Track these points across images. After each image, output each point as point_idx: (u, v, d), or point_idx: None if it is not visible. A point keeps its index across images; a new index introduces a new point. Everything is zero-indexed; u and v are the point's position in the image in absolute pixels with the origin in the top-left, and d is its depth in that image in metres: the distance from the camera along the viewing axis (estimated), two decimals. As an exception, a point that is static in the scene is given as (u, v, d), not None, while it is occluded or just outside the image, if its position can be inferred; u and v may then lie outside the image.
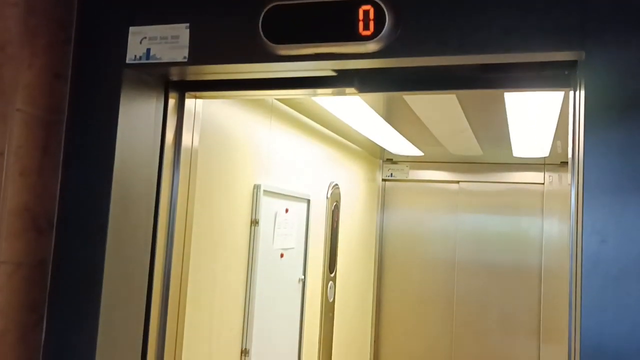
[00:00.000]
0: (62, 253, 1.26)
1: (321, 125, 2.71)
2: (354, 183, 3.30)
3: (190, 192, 1.55)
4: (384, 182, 3.91)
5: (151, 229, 1.42)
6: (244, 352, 1.96)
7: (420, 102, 2.08)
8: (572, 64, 1.15)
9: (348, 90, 1.35)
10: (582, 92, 1.04)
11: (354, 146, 3.27)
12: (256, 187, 2.02)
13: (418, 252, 3.81)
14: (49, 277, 1.25)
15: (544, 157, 3.35)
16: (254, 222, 2.01)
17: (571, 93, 1.18)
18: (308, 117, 2.54)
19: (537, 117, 2.23)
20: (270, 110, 2.18)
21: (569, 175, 1.08)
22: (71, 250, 1.26)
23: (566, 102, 2.07)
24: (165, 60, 1.26)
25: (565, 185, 3.51)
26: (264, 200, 2.07)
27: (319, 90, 1.40)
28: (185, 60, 1.24)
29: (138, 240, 1.38)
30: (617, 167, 0.96)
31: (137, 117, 1.35)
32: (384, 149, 3.47)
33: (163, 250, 1.49)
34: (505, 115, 2.23)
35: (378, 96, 2.07)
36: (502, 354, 3.55)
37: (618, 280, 0.90)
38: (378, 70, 1.29)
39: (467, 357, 3.62)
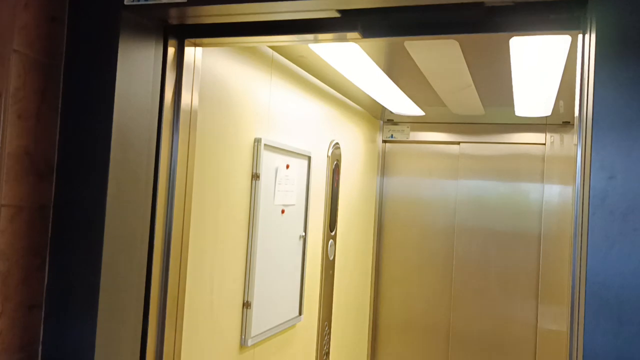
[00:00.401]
0: (63, 198, 1.25)
1: (322, 82, 2.68)
2: (355, 144, 3.28)
3: (191, 145, 1.53)
4: (384, 144, 3.89)
5: (152, 177, 1.41)
6: (246, 304, 1.98)
7: (423, 53, 2.05)
8: (581, 5, 1.12)
9: (350, 35, 1.33)
10: (593, 34, 1.02)
11: (354, 105, 3.25)
12: (257, 141, 2.01)
13: (418, 216, 3.81)
14: (51, 222, 1.25)
15: (546, 117, 3.33)
16: (255, 176, 2.00)
17: (580, 37, 1.15)
18: (309, 73, 2.50)
19: (541, 71, 2.20)
20: (270, 65, 2.15)
21: (576, 110, 1.06)
22: (72, 196, 1.25)
23: (570, 60, 2.04)
24: (164, 0, 1.23)
25: (566, 147, 3.49)
26: (265, 155, 2.05)
27: (321, 36, 1.37)
28: (185, 0, 1.21)
29: (139, 189, 1.37)
30: (627, 104, 0.94)
31: (137, 65, 1.32)
32: (385, 109, 3.44)
33: (164, 201, 1.48)
34: (510, 69, 2.21)
35: (380, 47, 2.03)
36: (501, 314, 3.60)
37: (626, 216, 0.90)
38: (382, 14, 1.26)
39: (465, 317, 3.66)
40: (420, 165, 3.85)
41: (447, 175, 3.77)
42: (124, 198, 1.30)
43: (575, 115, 1.07)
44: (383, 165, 3.89)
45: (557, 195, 3.50)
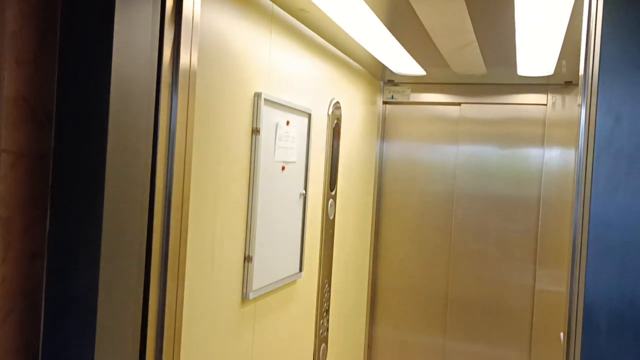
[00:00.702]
0: (62, 148, 1.24)
1: (323, 38, 2.64)
2: (355, 105, 3.26)
3: (190, 100, 1.51)
4: (384, 105, 3.86)
5: (152, 131, 1.39)
6: (247, 258, 1.99)
7: (427, 8, 2.02)
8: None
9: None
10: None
11: (355, 65, 3.21)
12: (257, 95, 1.99)
13: (418, 180, 3.82)
14: (51, 171, 1.24)
15: (548, 77, 3.30)
16: (255, 131, 1.98)
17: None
18: (310, 28, 2.46)
19: (545, 27, 2.17)
20: (270, 19, 2.11)
21: (582, 54, 1.04)
22: (72, 146, 1.24)
23: (573, 16, 2.01)
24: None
25: (567, 109, 3.47)
26: (265, 110, 2.03)
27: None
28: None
29: (139, 141, 1.36)
30: (636, 48, 0.93)
31: (135, 15, 1.30)
32: (386, 69, 3.41)
33: (164, 153, 1.47)
34: (514, 25, 2.17)
35: (384, 2, 2.00)
36: (499, 277, 3.63)
37: (631, 158, 0.89)
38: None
39: (463, 279, 3.70)
40: (421, 129, 3.83)
41: (447, 140, 3.76)
42: (125, 149, 1.29)
43: (581, 59, 1.05)
44: (383, 129, 3.87)
45: (557, 160, 3.49)
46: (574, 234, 0.97)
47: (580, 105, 1.10)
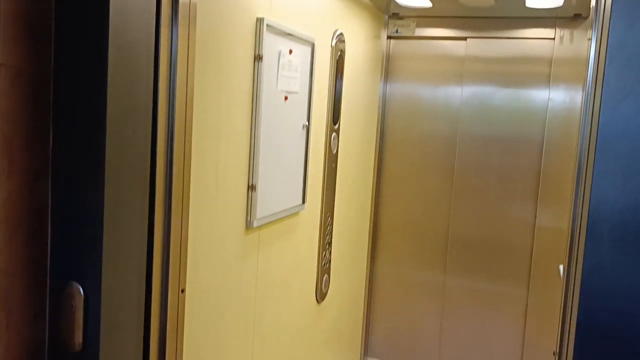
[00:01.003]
0: (62, 66, 1.22)
1: (326, -35, 2.56)
2: (359, 38, 3.19)
3: (191, 25, 1.48)
4: (388, 40, 3.79)
5: (152, 53, 1.37)
6: (251, 187, 1.99)
7: None
8: None
9: None
10: None
11: (359, -5, 3.13)
12: (259, 21, 1.94)
13: (421, 119, 3.79)
14: (52, 90, 1.22)
15: (557, 9, 3.22)
16: (258, 58, 1.95)
17: None
18: (312, -46, 2.39)
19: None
20: (272, -59, 2.04)
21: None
22: (72, 64, 1.22)
23: None
24: None
25: (575, 44, 3.40)
26: (267, 37, 1.99)
27: None
28: None
29: (140, 66, 1.33)
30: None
31: None
32: (391, 0, 3.32)
33: (166, 76, 1.45)
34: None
35: None
36: (499, 215, 3.66)
37: (643, 66, 0.87)
38: None
39: (465, 217, 3.72)
40: (426, 68, 3.77)
41: (452, 79, 3.70)
42: (125, 71, 1.27)
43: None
44: (387, 67, 3.81)
45: (562, 100, 3.45)
46: (581, 145, 0.96)
47: (590, 39, 1.08)
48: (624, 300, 1.03)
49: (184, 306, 1.52)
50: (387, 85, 3.82)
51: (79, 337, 1.22)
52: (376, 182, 3.83)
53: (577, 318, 1.05)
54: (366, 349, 3.99)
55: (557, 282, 3.28)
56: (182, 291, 1.53)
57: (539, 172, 3.54)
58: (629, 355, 1.10)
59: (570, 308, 1.08)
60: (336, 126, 2.89)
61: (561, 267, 2.22)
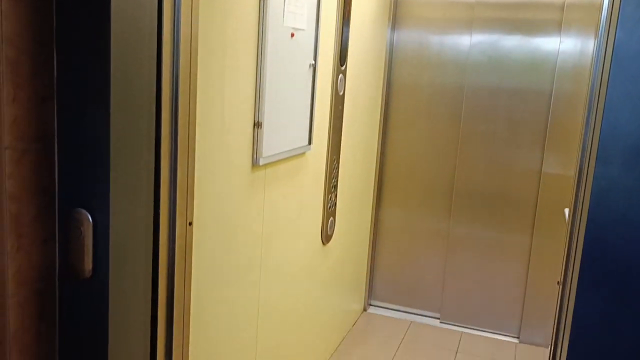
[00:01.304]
0: (65, -11, 1.20)
1: None
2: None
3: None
4: (397, -18, 3.69)
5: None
6: (257, 124, 1.98)
7: None
8: None
9: None
10: None
11: None
12: (266, -48, 1.89)
13: (429, 66, 3.72)
14: (55, 14, 1.20)
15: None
16: (264, -9, 1.90)
17: None
18: None
19: None
20: None
21: None
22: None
23: None
24: None
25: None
26: (274, -31, 1.94)
27: None
28: None
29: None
30: None
31: None
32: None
33: (170, 9, 1.42)
34: None
35: None
36: (506, 161, 3.64)
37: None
38: None
39: (471, 164, 3.71)
40: (434, 14, 3.68)
41: (460, 26, 3.62)
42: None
43: None
44: (395, 14, 3.72)
45: (573, 48, 3.37)
46: (595, 65, 0.94)
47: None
48: (632, 227, 1.03)
49: (192, 238, 1.54)
50: (395, 32, 3.74)
51: (88, 264, 1.24)
52: (383, 128, 3.81)
53: (584, 244, 1.06)
54: (370, 292, 4.06)
55: (561, 229, 3.30)
56: (190, 224, 1.54)
57: (547, 121, 3.50)
58: (635, 281, 1.11)
59: (576, 235, 1.08)
60: (343, 67, 2.85)
61: (567, 210, 2.22)
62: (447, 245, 3.87)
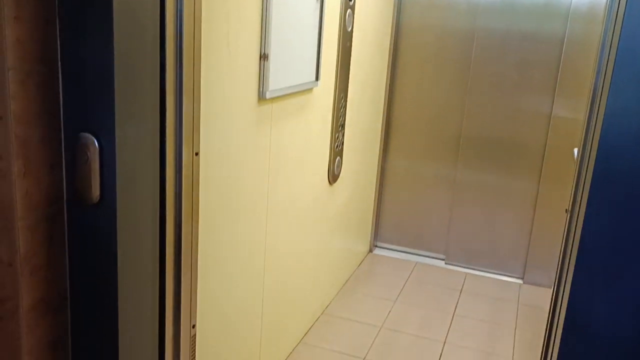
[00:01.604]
0: None
1: None
2: None
3: None
4: None
5: None
6: (263, 56, 1.95)
7: None
8: None
9: None
10: None
11: None
12: None
13: (438, 10, 3.62)
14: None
15: None
16: None
17: None
18: None
19: None
20: None
21: None
22: None
23: None
24: None
25: None
26: None
27: None
28: None
29: None
30: None
31: None
32: None
33: None
34: None
35: None
36: (516, 103, 3.59)
37: None
38: None
39: (480, 109, 3.66)
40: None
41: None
42: None
43: None
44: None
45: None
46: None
47: None
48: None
49: (199, 169, 1.54)
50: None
51: (96, 189, 1.24)
52: (391, 71, 3.75)
53: (594, 168, 1.04)
54: (376, 233, 4.10)
55: (569, 175, 3.28)
56: (197, 154, 1.53)
57: (558, 65, 3.43)
58: (643, 207, 1.09)
59: (587, 158, 1.07)
60: (351, 2, 2.78)
61: (575, 150, 2.20)
62: (454, 189, 3.86)
